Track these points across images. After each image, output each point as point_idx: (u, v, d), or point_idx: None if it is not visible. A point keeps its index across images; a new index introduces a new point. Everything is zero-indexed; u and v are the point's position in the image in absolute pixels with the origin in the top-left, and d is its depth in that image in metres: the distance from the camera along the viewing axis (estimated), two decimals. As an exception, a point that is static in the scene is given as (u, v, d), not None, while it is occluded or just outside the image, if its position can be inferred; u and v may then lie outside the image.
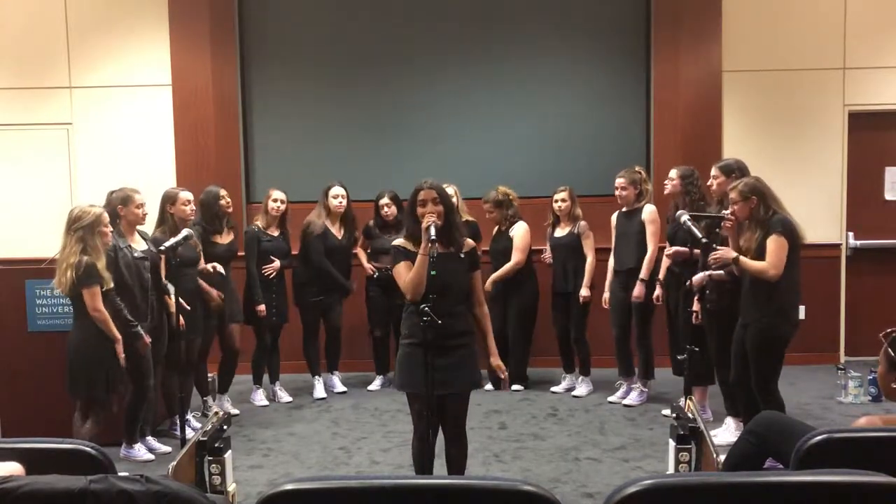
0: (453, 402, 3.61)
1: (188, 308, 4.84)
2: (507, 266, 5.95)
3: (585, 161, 6.82)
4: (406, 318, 3.62)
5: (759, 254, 4.25)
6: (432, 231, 3.40)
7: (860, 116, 6.77)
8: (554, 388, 6.07)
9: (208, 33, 6.70)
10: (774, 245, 4.20)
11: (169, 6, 6.70)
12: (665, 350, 5.57)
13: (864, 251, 6.88)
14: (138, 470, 3.44)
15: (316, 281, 5.92)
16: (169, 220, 5.08)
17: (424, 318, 3.32)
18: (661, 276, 5.40)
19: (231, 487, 3.42)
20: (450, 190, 4.19)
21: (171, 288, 4.72)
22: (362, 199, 6.24)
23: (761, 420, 3.35)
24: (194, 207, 5.19)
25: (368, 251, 6.23)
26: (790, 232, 4.24)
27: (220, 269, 5.26)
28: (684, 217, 4.48)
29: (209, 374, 5.58)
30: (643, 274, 5.46)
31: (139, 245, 4.77)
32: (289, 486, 1.83)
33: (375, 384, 6.27)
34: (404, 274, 3.54)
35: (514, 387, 6.04)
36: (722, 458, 3.19)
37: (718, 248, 4.38)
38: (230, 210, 5.60)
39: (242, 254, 5.75)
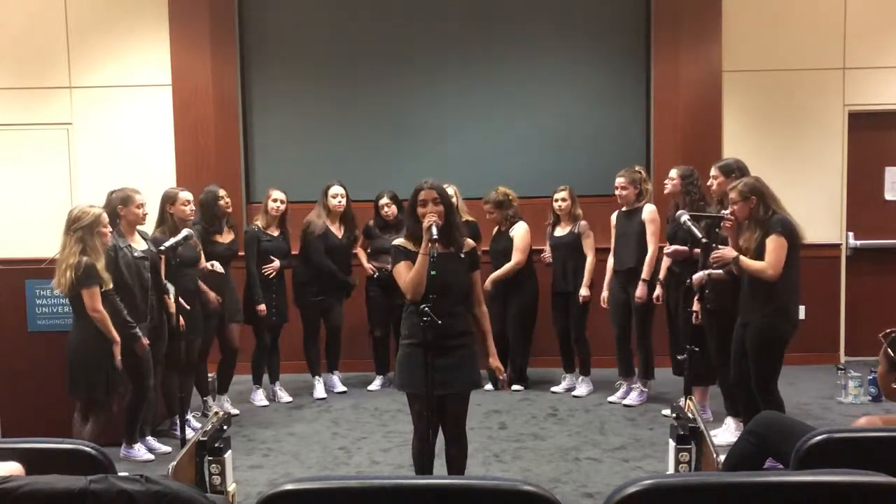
0: (453, 403, 3.61)
1: (188, 308, 4.84)
2: (508, 266, 5.95)
3: (585, 161, 6.81)
4: (406, 318, 3.62)
5: (759, 254, 4.26)
6: (434, 231, 3.40)
7: (860, 116, 6.77)
8: (554, 388, 6.07)
9: (208, 33, 6.70)
10: (774, 245, 4.20)
11: (169, 6, 6.71)
12: (665, 350, 5.56)
13: (864, 251, 6.88)
14: (138, 470, 3.43)
15: (316, 281, 5.92)
16: (169, 220, 5.08)
17: (424, 318, 3.32)
18: (661, 275, 5.39)
19: (231, 487, 3.42)
20: (450, 190, 4.18)
21: (171, 288, 4.72)
22: (362, 199, 6.24)
23: (761, 420, 3.35)
24: (194, 207, 5.19)
25: (368, 251, 6.23)
26: (790, 232, 4.24)
27: (218, 267, 5.26)
28: (684, 217, 4.49)
29: (209, 374, 5.58)
30: (645, 274, 5.46)
31: (139, 245, 4.77)
32: (289, 486, 1.83)
33: (375, 384, 6.27)
34: (404, 274, 3.54)
35: (514, 387, 6.04)
36: (722, 458, 3.19)
37: (719, 247, 4.39)
38: (229, 210, 5.60)
39: (242, 254, 5.76)
